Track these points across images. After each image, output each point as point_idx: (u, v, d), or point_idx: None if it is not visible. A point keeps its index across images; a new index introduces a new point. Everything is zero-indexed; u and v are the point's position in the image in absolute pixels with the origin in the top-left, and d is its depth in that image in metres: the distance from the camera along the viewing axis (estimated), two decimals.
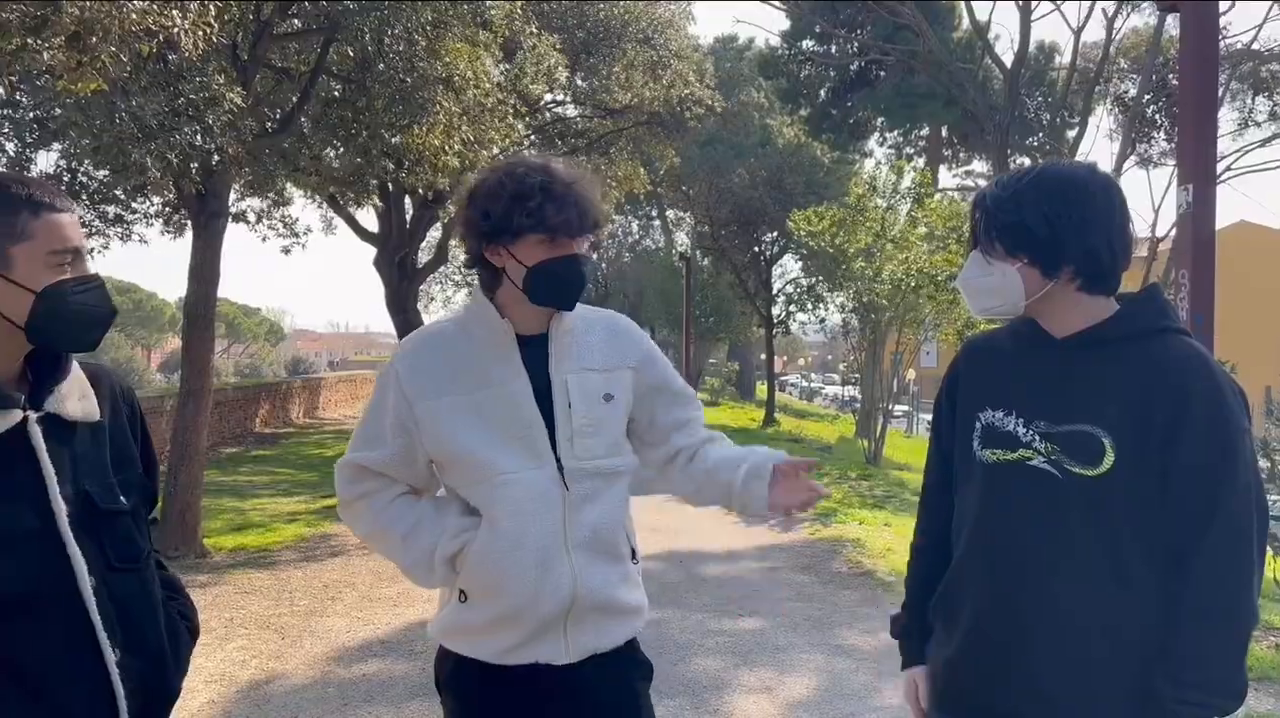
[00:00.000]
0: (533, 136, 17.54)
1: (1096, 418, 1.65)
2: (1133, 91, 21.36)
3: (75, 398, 1.56)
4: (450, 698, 2.01)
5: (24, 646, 1.44)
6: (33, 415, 1.49)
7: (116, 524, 1.57)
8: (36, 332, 1.49)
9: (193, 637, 1.75)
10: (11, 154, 10.11)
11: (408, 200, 17.03)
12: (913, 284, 14.67)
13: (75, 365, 1.59)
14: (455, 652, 1.98)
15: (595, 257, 1.98)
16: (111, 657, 1.51)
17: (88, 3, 3.89)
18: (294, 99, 8.99)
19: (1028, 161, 20.25)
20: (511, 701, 1.94)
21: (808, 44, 24.23)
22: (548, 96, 17.49)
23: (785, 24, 24.94)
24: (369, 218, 18.84)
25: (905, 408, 34.98)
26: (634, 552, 2.04)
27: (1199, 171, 5.48)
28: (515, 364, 1.92)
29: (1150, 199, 31.41)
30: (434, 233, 23.56)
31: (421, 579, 1.99)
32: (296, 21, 8.99)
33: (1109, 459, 1.63)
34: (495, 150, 9.59)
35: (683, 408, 2.13)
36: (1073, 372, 1.71)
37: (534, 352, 1.94)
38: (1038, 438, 1.70)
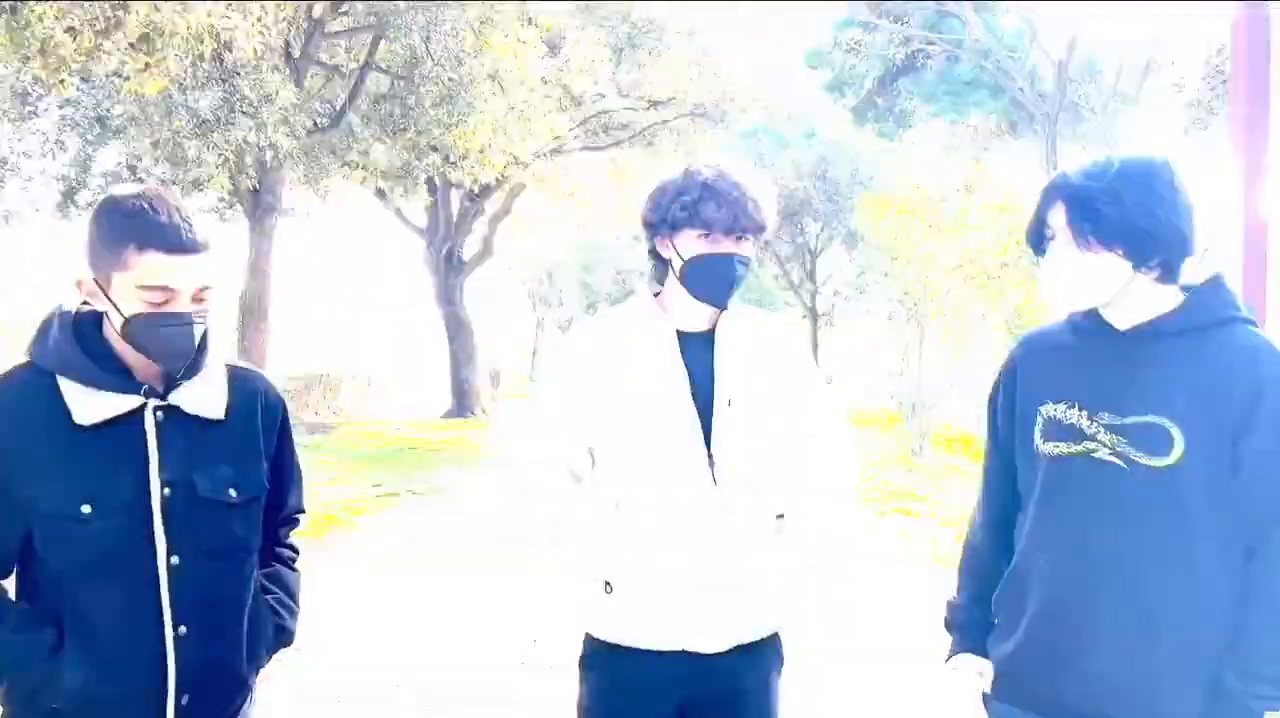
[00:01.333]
0: (576, 130, 17.64)
1: (1164, 409, 1.63)
2: (1188, 78, 20.91)
3: (198, 395, 1.67)
4: (593, 676, 2.04)
5: (97, 604, 1.58)
6: (152, 403, 1.62)
7: (216, 514, 1.67)
8: (129, 345, 1.61)
9: (278, 634, 1.82)
10: (74, 151, 10.37)
11: (454, 194, 17.21)
12: (964, 275, 14.51)
13: (218, 367, 1.71)
14: (602, 639, 2.01)
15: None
16: (170, 632, 1.61)
17: (159, 1, 4.02)
18: (344, 95, 9.18)
19: (1078, 149, 19.90)
20: (655, 684, 1.97)
21: (853, 33, 24.05)
22: (591, 89, 17.58)
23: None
24: (417, 212, 19.07)
25: (953, 400, 34.54)
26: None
27: (1251, 161, 5.41)
28: (675, 359, 1.98)
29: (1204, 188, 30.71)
30: (480, 227, 23.77)
31: (559, 557, 2.06)
32: (347, 19, 9.17)
33: (1178, 449, 1.61)
34: (539, 144, 9.70)
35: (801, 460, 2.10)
36: (1138, 363, 1.69)
37: (697, 348, 2.00)
38: (1102, 430, 1.68)
